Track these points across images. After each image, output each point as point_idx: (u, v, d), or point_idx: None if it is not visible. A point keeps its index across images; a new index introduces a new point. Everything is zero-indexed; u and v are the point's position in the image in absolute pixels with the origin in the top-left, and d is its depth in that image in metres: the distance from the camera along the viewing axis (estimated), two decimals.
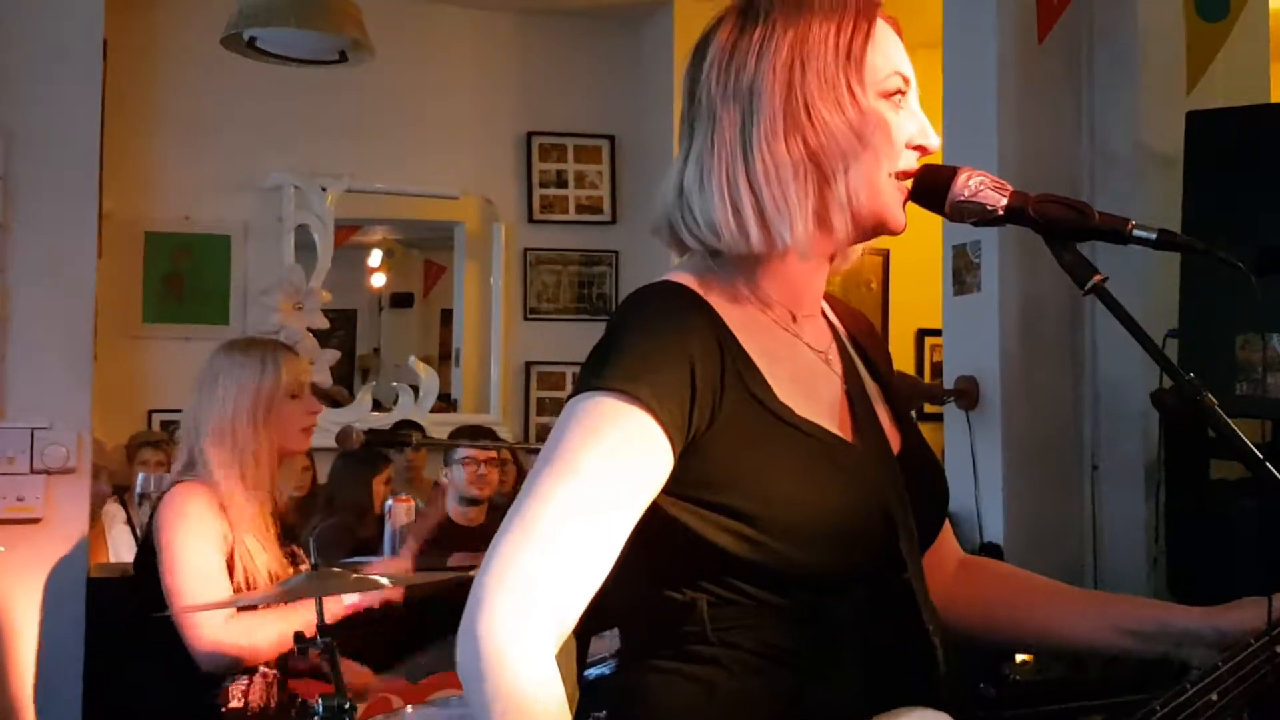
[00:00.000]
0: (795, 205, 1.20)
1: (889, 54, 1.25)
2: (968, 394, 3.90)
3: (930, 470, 1.34)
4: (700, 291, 1.23)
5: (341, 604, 2.57)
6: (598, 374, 1.14)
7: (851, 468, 1.21)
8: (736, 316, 1.23)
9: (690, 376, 1.14)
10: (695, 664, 1.18)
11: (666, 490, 1.15)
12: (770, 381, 1.20)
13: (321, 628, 2.29)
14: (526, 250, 5.90)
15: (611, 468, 1.10)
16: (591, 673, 2.42)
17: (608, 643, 2.47)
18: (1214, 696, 1.27)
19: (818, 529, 1.15)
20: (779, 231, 1.20)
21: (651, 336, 1.16)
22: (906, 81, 1.26)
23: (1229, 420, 1.19)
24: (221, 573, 2.46)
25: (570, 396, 1.16)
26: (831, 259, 1.30)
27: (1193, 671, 1.29)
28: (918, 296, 5.42)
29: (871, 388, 1.34)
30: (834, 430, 1.23)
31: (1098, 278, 1.23)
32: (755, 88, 1.21)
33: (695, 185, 1.23)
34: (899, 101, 1.25)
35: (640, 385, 1.12)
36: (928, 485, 1.31)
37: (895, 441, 1.30)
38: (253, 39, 3.76)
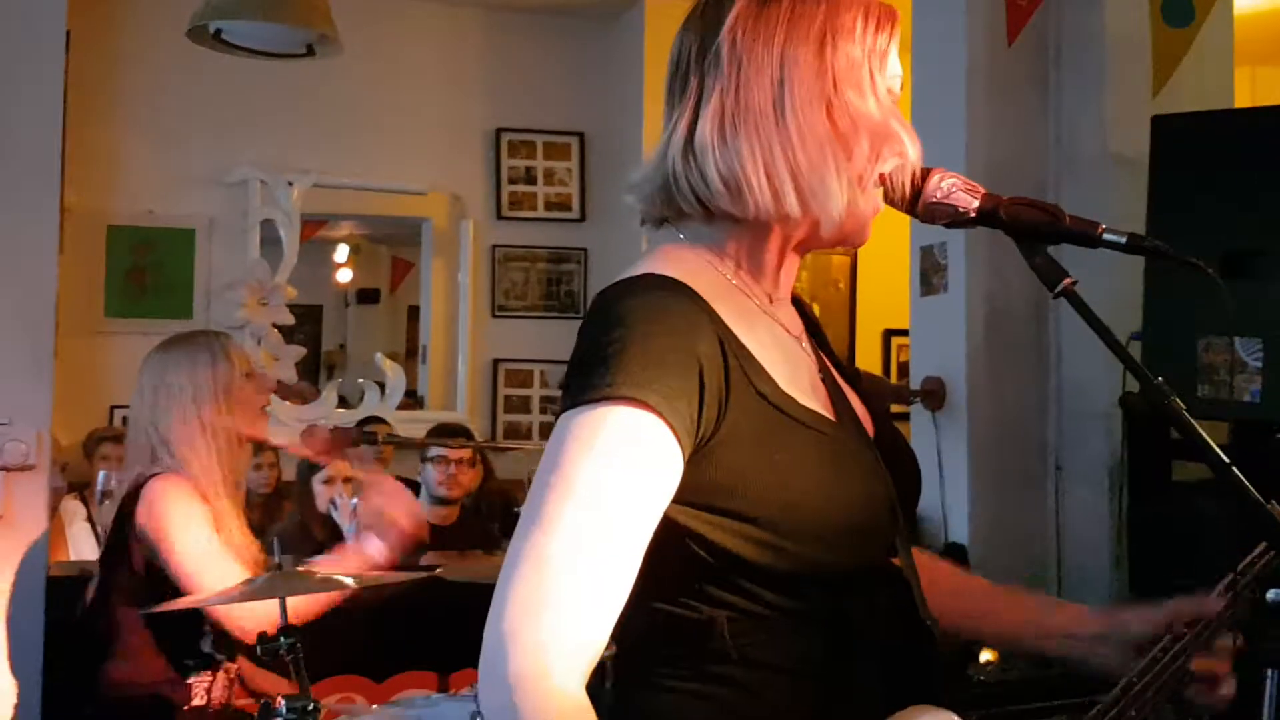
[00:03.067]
0: (832, 173, 1.17)
1: (896, 58, 1.25)
2: (934, 394, 3.92)
3: (905, 458, 1.32)
4: (688, 282, 1.16)
5: (371, 557, 2.52)
6: (596, 383, 1.06)
7: (857, 458, 1.19)
8: (725, 306, 1.17)
9: (699, 378, 1.08)
10: (714, 684, 1.14)
11: (676, 499, 1.09)
12: (772, 374, 1.16)
13: (285, 628, 2.27)
14: (495, 247, 5.88)
15: (625, 481, 1.04)
16: None
17: None
18: (1132, 713, 1.30)
19: (831, 525, 1.13)
20: (818, 197, 1.17)
21: (653, 336, 1.08)
22: (899, 89, 1.26)
23: (1196, 424, 1.20)
24: (226, 549, 2.44)
25: (565, 409, 1.08)
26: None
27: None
28: (885, 297, 5.44)
29: (836, 375, 1.32)
30: (832, 419, 1.20)
31: (1068, 281, 1.23)
32: (788, 53, 1.18)
33: (715, 139, 1.18)
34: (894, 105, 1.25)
35: (647, 389, 1.05)
36: (902, 471, 1.28)
37: (869, 428, 1.28)
38: (219, 31, 3.72)
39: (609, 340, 1.08)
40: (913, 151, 1.23)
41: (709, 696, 1.14)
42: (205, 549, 2.42)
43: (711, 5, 1.23)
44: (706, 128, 1.18)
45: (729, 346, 1.13)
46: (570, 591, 1.01)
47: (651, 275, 1.16)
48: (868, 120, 1.19)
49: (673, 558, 1.12)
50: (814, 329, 1.36)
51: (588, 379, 1.07)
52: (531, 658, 0.98)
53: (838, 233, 1.22)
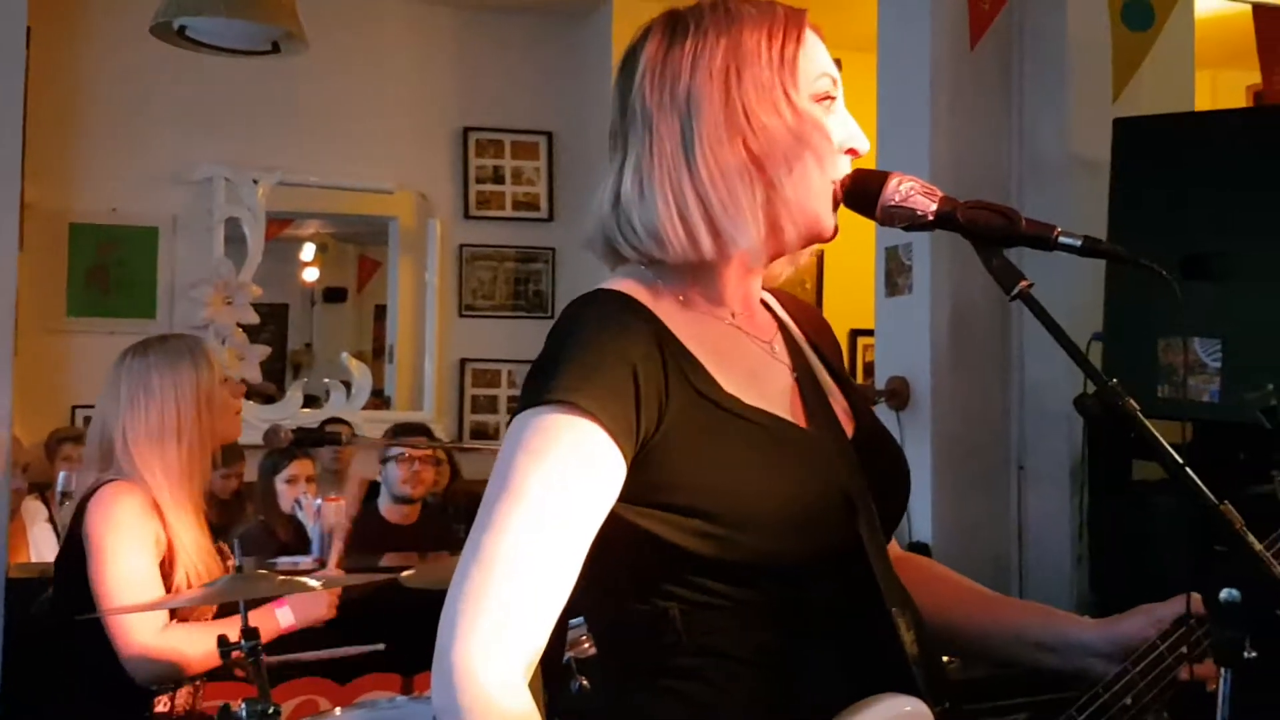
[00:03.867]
0: (745, 208, 1.20)
1: (817, 58, 1.26)
2: (899, 394, 3.94)
3: (888, 454, 1.34)
4: (637, 295, 1.23)
5: (278, 624, 2.55)
6: (540, 389, 1.13)
7: (806, 452, 1.21)
8: (676, 317, 1.23)
9: (634, 382, 1.13)
10: (674, 677, 1.18)
11: (624, 498, 1.14)
12: (715, 375, 1.20)
13: (246, 631, 2.25)
14: (462, 246, 5.87)
15: (562, 484, 1.10)
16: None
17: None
18: (1128, 700, 1.30)
19: (780, 517, 1.15)
20: (731, 237, 1.20)
21: (590, 346, 1.15)
22: (835, 84, 1.27)
23: (1149, 425, 1.21)
24: (154, 576, 2.42)
25: (514, 415, 1.16)
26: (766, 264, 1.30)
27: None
28: (851, 297, 5.46)
29: (823, 375, 1.34)
30: (785, 416, 1.23)
31: (1024, 284, 1.24)
32: (693, 96, 1.21)
33: (635, 195, 1.22)
34: (829, 106, 1.26)
35: (583, 395, 1.11)
36: (886, 468, 1.31)
37: (849, 427, 1.31)
38: (183, 28, 3.70)
39: (553, 350, 1.17)
40: (862, 146, 1.26)
41: (670, 689, 1.18)
42: (132, 572, 2.39)
43: (629, 58, 1.28)
44: (627, 184, 1.24)
45: (668, 350, 1.18)
46: (512, 592, 1.06)
47: (602, 290, 1.24)
48: (782, 138, 1.21)
49: (628, 556, 1.16)
50: (806, 331, 1.39)
51: (535, 386, 1.15)
52: (474, 657, 1.03)
53: (777, 250, 1.26)
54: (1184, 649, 1.31)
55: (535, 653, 1.07)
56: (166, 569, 2.46)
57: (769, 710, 1.17)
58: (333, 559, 3.12)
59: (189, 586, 2.44)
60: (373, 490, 4.50)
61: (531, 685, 1.09)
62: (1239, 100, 6.12)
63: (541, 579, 1.07)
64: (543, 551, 1.08)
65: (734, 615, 1.17)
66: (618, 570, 1.17)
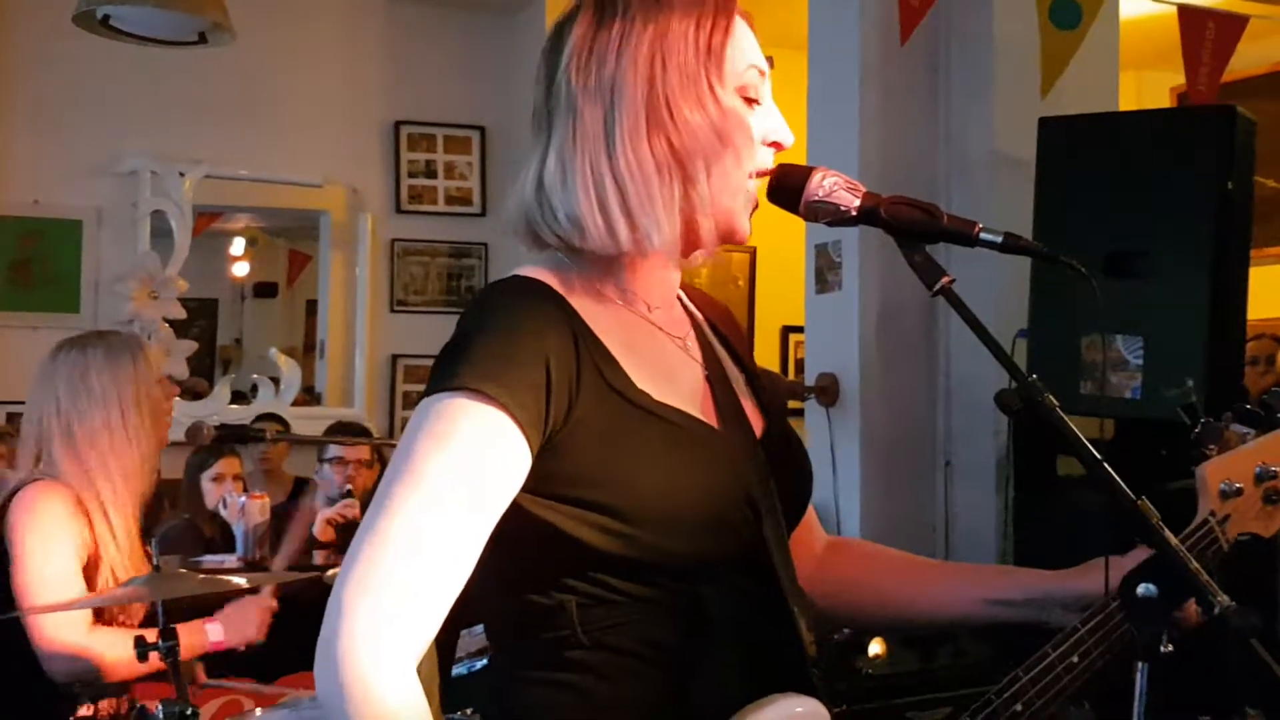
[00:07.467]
0: (660, 205, 1.18)
1: (746, 49, 1.25)
2: (828, 390, 3.97)
3: (793, 454, 1.34)
4: (555, 285, 1.20)
5: (206, 639, 2.52)
6: (448, 374, 1.11)
7: (714, 451, 1.20)
8: (592, 309, 1.21)
9: (545, 372, 1.12)
10: (567, 670, 1.17)
11: (528, 489, 1.12)
12: (628, 371, 1.18)
13: (164, 630, 2.22)
14: (394, 241, 5.83)
15: (463, 470, 1.07)
16: (457, 670, 2.40)
17: (472, 640, 2.46)
18: (1075, 659, 1.32)
19: (683, 515, 1.14)
20: (646, 232, 1.18)
21: (504, 333, 1.13)
22: (763, 76, 1.26)
23: (1067, 420, 1.23)
24: (76, 577, 2.37)
25: (423, 397, 1.13)
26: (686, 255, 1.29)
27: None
28: (783, 293, 5.49)
29: (733, 373, 1.34)
30: (696, 415, 1.22)
31: (946, 280, 1.25)
32: (617, 83, 1.19)
33: (558, 181, 1.20)
34: (756, 97, 1.25)
35: (492, 383, 1.09)
36: (791, 469, 1.31)
37: (758, 426, 1.31)
38: (107, 17, 3.63)
39: (465, 335, 1.14)
40: (786, 140, 1.26)
41: (566, 684, 1.17)
42: (53, 573, 2.35)
43: (557, 35, 1.25)
44: (550, 169, 1.22)
45: (583, 343, 1.17)
46: (403, 576, 1.03)
47: (518, 277, 1.22)
48: (704, 135, 1.20)
49: (528, 548, 1.15)
50: (718, 329, 1.38)
51: (443, 369, 1.12)
52: (359, 641, 1.01)
53: (693, 245, 1.25)
54: (1074, 658, 1.33)
55: (425, 640, 1.04)
56: (90, 571, 2.42)
57: (665, 708, 1.17)
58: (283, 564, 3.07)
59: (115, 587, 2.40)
60: (306, 488, 4.45)
61: (426, 672, 1.06)
62: (1163, 101, 6.25)
63: (435, 564, 1.04)
64: (438, 536, 1.05)
65: (633, 612, 1.16)
66: (516, 561, 1.15)
